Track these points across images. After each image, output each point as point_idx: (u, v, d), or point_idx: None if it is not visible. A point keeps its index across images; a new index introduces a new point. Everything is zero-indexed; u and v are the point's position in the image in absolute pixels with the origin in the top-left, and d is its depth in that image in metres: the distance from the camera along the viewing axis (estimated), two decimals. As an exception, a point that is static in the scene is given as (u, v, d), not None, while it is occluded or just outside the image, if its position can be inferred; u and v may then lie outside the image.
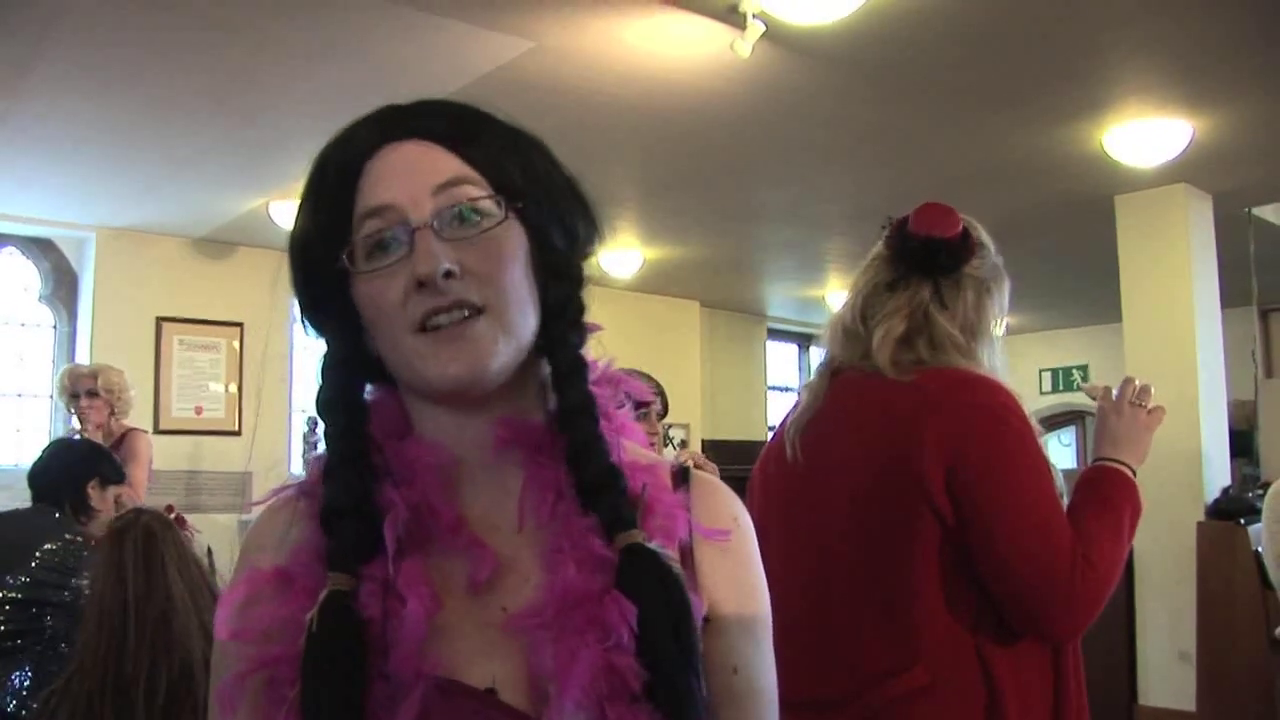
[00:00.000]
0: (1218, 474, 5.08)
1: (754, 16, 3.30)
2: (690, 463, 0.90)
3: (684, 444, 7.44)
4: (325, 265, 0.77)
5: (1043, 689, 1.43)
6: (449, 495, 0.78)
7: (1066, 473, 1.56)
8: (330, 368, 0.81)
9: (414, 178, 0.76)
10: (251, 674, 0.74)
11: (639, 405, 0.88)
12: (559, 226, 0.81)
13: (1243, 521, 4.58)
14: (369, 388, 0.83)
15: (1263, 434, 5.36)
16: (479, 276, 0.75)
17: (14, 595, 2.48)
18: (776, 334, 9.45)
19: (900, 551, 1.43)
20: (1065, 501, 1.48)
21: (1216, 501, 4.92)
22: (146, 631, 1.96)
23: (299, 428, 6.36)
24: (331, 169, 0.79)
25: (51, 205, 5.54)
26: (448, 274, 0.74)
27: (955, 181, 5.07)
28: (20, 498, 2.94)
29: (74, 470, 2.89)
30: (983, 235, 1.59)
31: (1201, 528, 4.74)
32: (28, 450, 5.44)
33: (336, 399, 0.80)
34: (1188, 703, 4.71)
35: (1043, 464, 1.44)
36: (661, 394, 3.40)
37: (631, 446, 0.84)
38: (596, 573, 0.73)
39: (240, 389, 6.27)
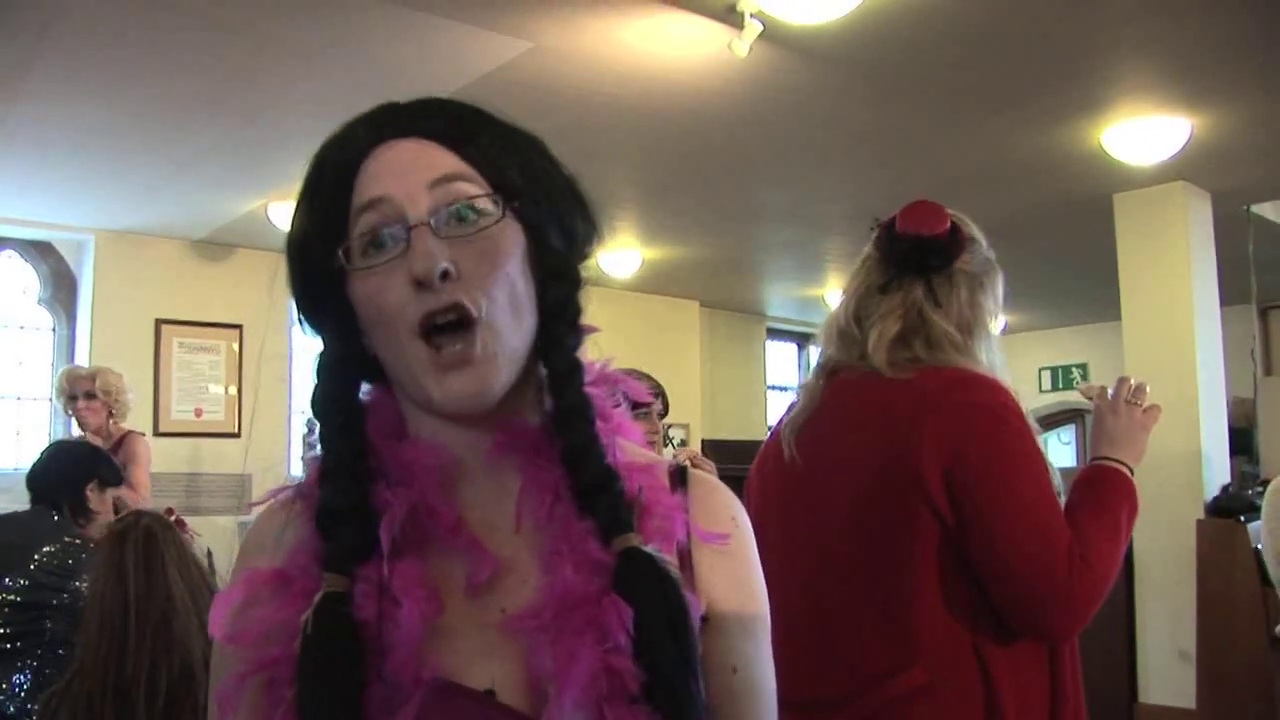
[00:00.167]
0: (1217, 472, 5.08)
1: (752, 16, 3.30)
2: (688, 461, 0.89)
3: (683, 443, 7.44)
4: (322, 263, 0.77)
5: (1040, 688, 1.43)
6: (447, 496, 0.78)
7: (1066, 471, 1.57)
8: (326, 367, 0.81)
9: (411, 174, 0.76)
10: (250, 676, 0.74)
11: (636, 406, 0.88)
12: (557, 226, 0.80)
13: (1242, 519, 4.58)
14: (365, 388, 0.83)
15: (1262, 432, 5.35)
16: (475, 276, 0.74)
17: (13, 598, 2.48)
18: (776, 334, 9.46)
19: (899, 551, 1.43)
20: (1062, 501, 1.48)
21: (1216, 499, 4.91)
22: (147, 632, 1.96)
23: (298, 429, 6.36)
24: (329, 167, 0.79)
25: (50, 208, 5.54)
26: (444, 274, 0.73)
27: (954, 180, 5.07)
28: (20, 500, 2.94)
29: (73, 472, 2.88)
30: (972, 230, 1.58)
31: (1201, 526, 4.74)
32: (27, 453, 5.44)
33: (333, 399, 0.80)
34: (1188, 701, 4.71)
35: (1041, 464, 1.45)
36: (662, 394, 3.40)
37: (629, 446, 0.84)
38: (594, 575, 0.73)
39: (240, 391, 6.27)
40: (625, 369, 0.90)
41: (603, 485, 0.76)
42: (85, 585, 2.46)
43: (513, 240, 0.77)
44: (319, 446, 0.79)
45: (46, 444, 4.84)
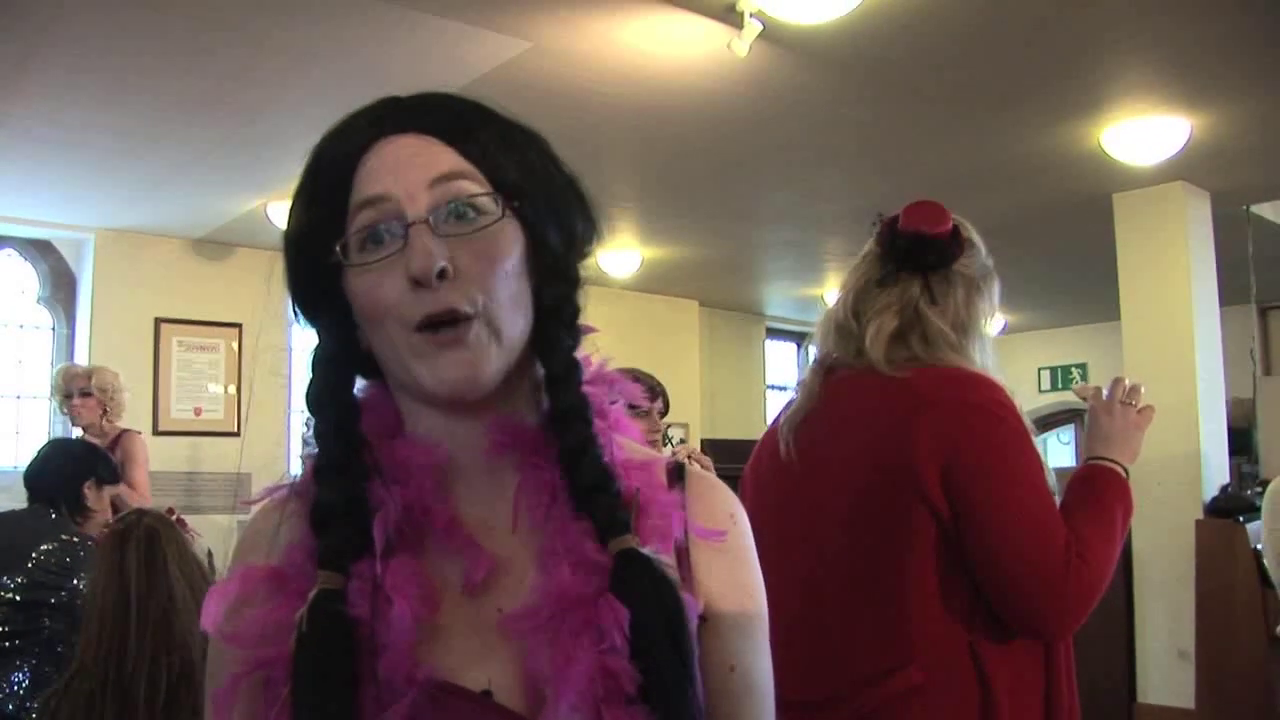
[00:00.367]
0: (1216, 472, 5.08)
1: (751, 16, 3.30)
2: (687, 457, 0.89)
3: (683, 441, 7.44)
4: (319, 258, 0.76)
5: (1036, 687, 1.43)
6: (443, 495, 0.78)
7: (1064, 471, 1.57)
8: (321, 362, 0.80)
9: (410, 171, 0.75)
10: (246, 675, 0.73)
11: (633, 407, 0.88)
12: (556, 226, 0.80)
13: (1241, 519, 4.58)
14: (361, 384, 0.82)
15: (1261, 432, 5.36)
16: (473, 275, 0.74)
17: (12, 596, 2.48)
18: (775, 333, 9.46)
19: (895, 550, 1.43)
20: (1057, 501, 1.49)
21: (1215, 499, 4.91)
22: (148, 631, 1.97)
23: (298, 428, 6.36)
24: (328, 161, 0.78)
25: (50, 207, 5.54)
26: (442, 272, 0.72)
27: (953, 180, 5.07)
28: (19, 499, 2.94)
29: (70, 470, 2.88)
30: (972, 235, 1.59)
31: (1200, 526, 4.74)
32: (26, 452, 5.43)
33: (327, 395, 0.79)
34: (1187, 701, 4.71)
35: (1037, 463, 1.45)
36: (662, 393, 3.40)
37: (628, 443, 0.83)
38: (591, 575, 0.73)
39: (239, 390, 6.27)
40: (626, 368, 0.89)
41: (600, 485, 0.76)
42: (83, 583, 2.47)
43: (512, 239, 0.77)
44: (314, 443, 0.79)
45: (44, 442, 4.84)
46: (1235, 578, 4.45)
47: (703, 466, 2.20)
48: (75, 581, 2.52)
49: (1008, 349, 9.34)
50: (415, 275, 0.72)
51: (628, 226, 6.13)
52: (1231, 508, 4.76)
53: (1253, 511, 4.33)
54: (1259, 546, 4.00)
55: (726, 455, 4.58)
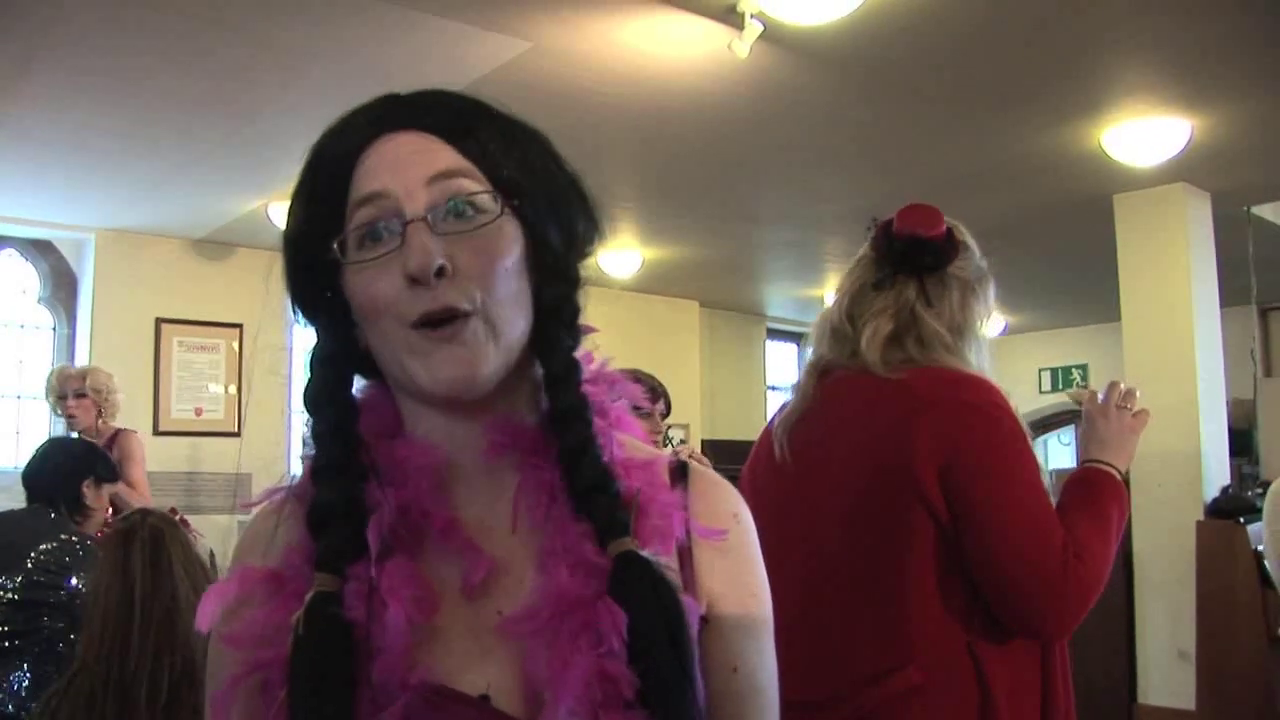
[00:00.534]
0: (1217, 473, 5.08)
1: (752, 16, 3.30)
2: (688, 457, 0.89)
3: (683, 442, 7.44)
4: (318, 255, 0.76)
5: (1033, 687, 1.44)
6: (442, 496, 0.77)
7: (1063, 473, 1.57)
8: (319, 361, 0.79)
9: (409, 168, 0.75)
10: (245, 677, 0.73)
11: (634, 410, 0.87)
12: (557, 225, 0.79)
13: (1242, 520, 4.58)
14: (361, 385, 0.82)
15: (1262, 433, 5.35)
16: (471, 274, 0.73)
17: (11, 596, 2.48)
18: (776, 334, 9.45)
19: (893, 551, 1.44)
20: (1053, 503, 1.49)
21: (1216, 500, 4.91)
22: (151, 631, 1.96)
23: (298, 428, 6.33)
24: (327, 158, 0.78)
25: (50, 207, 5.54)
26: (440, 270, 0.72)
27: (954, 181, 5.07)
28: (19, 500, 2.93)
29: (69, 469, 2.88)
30: (967, 238, 1.60)
31: (1201, 527, 4.74)
32: (27, 452, 5.42)
33: (325, 395, 0.79)
34: (1187, 702, 4.71)
35: (1034, 464, 1.46)
36: (664, 394, 3.40)
37: (630, 441, 0.82)
38: (590, 577, 0.72)
39: (240, 390, 6.27)
40: (628, 369, 0.89)
41: (599, 487, 0.75)
42: (83, 583, 2.47)
43: (511, 238, 0.76)
44: (311, 444, 0.78)
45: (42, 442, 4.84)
46: (1236, 579, 4.45)
47: (703, 467, 2.18)
48: (75, 581, 2.52)
49: (1008, 350, 9.34)
50: (413, 273, 0.72)
51: (628, 227, 6.13)
52: (1232, 509, 4.75)
53: (1253, 513, 4.33)
54: (1259, 547, 4.00)
55: (727, 456, 4.57)
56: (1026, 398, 9.04)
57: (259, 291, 6.04)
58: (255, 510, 0.83)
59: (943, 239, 1.55)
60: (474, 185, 0.75)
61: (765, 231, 6.50)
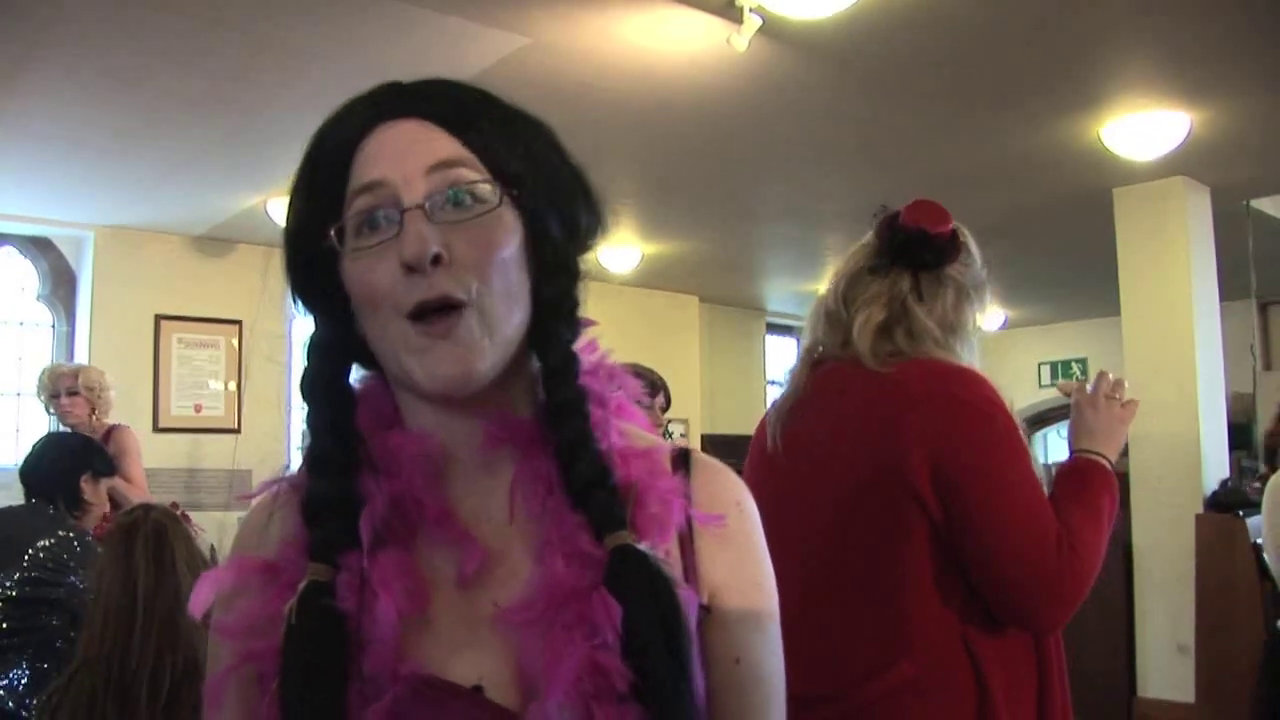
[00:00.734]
0: (1216, 467, 5.08)
1: (751, 11, 3.29)
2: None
3: (683, 437, 7.44)
4: (317, 243, 0.75)
5: (1029, 681, 1.44)
6: (437, 487, 0.77)
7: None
8: (316, 349, 0.79)
9: (408, 157, 0.74)
10: (239, 668, 0.73)
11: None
12: (557, 217, 0.78)
13: (1241, 514, 4.59)
14: (358, 375, 0.82)
15: (1261, 426, 5.36)
16: (467, 263, 0.73)
17: (10, 593, 2.48)
18: (775, 328, 9.45)
19: (888, 546, 1.44)
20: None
21: (1215, 494, 4.92)
22: (153, 628, 1.96)
23: (298, 424, 6.35)
24: (327, 146, 0.77)
25: (49, 204, 5.54)
26: (436, 259, 0.71)
27: (953, 175, 5.06)
28: (19, 497, 2.94)
29: (66, 465, 2.88)
30: (971, 244, 1.60)
31: (1200, 520, 4.74)
32: (26, 450, 5.43)
33: (321, 385, 0.78)
34: (1187, 695, 4.71)
35: (1027, 458, 1.46)
36: (664, 388, 3.40)
37: (630, 429, 0.82)
38: (586, 569, 0.72)
39: (239, 386, 6.27)
40: (628, 364, 0.89)
41: (596, 480, 0.75)
42: (82, 579, 2.46)
43: (509, 228, 0.75)
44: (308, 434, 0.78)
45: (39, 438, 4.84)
46: (1235, 572, 4.46)
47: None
48: (74, 577, 2.52)
49: (1008, 344, 9.34)
50: (408, 260, 0.71)
51: (628, 222, 6.12)
52: (1231, 502, 4.76)
53: (1252, 506, 4.33)
54: (1259, 541, 4.01)
55: (726, 451, 4.57)
56: (1026, 392, 9.04)
57: (258, 288, 6.07)
58: (254, 501, 0.83)
59: (947, 238, 1.55)
60: (473, 175, 0.75)
61: (765, 227, 6.49)
